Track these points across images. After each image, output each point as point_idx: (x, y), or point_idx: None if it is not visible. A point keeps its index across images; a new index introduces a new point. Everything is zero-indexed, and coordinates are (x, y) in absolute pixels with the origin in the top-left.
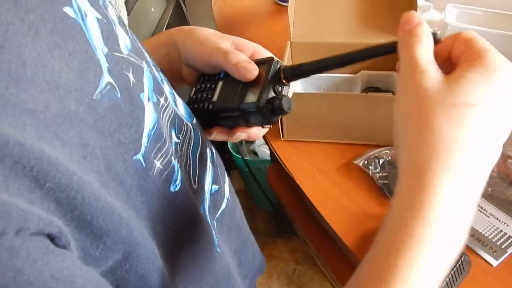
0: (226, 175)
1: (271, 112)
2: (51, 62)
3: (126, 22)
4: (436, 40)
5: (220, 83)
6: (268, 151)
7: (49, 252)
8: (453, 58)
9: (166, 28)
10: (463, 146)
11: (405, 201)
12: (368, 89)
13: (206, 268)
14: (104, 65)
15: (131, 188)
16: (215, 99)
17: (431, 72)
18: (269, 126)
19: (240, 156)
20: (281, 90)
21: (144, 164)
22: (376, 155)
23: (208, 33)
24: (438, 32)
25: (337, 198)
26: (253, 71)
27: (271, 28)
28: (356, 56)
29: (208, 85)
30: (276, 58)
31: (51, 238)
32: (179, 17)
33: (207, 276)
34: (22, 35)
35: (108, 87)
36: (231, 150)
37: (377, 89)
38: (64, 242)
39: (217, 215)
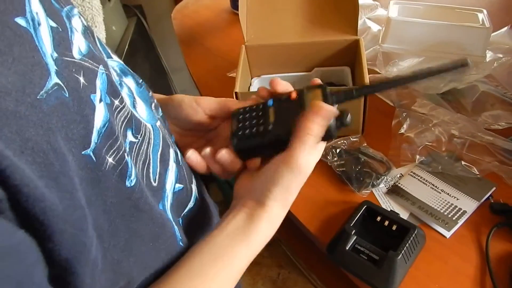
0: (193, 176)
1: (339, 126)
2: None
3: (102, 36)
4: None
5: (271, 110)
6: None
7: None
8: None
9: (129, 46)
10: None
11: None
12: None
13: (166, 259)
14: (52, 68)
15: (81, 181)
16: (272, 121)
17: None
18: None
19: None
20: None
21: (94, 159)
22: (333, 145)
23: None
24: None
25: None
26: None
27: (230, 36)
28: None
29: (254, 113)
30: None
31: None
32: (141, 34)
33: (168, 266)
34: None
35: (55, 87)
36: None
37: (331, 84)
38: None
39: (184, 213)
